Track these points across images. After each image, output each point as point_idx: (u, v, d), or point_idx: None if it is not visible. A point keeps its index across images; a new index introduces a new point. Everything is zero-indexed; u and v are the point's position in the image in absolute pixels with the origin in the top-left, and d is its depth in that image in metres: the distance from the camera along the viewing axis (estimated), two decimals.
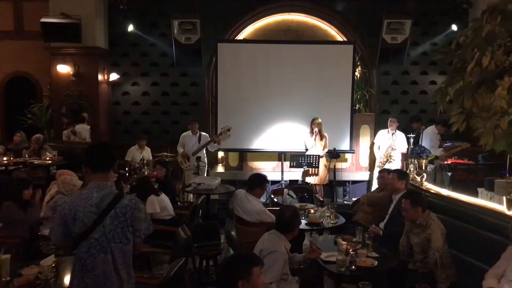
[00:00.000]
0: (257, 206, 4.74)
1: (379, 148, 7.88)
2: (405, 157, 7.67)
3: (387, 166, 7.47)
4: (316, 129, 7.43)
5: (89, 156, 2.56)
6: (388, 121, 7.83)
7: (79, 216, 2.39)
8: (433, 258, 3.62)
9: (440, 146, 7.42)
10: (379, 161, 7.79)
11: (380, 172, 5.54)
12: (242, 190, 4.94)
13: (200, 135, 7.70)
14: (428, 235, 3.70)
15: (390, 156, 7.64)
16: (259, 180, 4.87)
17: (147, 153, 8.00)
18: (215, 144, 7.66)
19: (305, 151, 7.56)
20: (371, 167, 8.29)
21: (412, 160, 5.49)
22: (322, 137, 7.50)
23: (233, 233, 4.09)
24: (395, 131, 7.79)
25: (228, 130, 7.75)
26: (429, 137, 7.35)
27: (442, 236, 3.70)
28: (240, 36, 9.59)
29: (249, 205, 4.72)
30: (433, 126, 7.58)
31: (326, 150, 7.46)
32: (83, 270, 2.39)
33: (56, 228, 2.46)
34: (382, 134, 7.91)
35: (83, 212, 2.39)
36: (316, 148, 7.46)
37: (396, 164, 7.59)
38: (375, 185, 7.69)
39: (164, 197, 5.16)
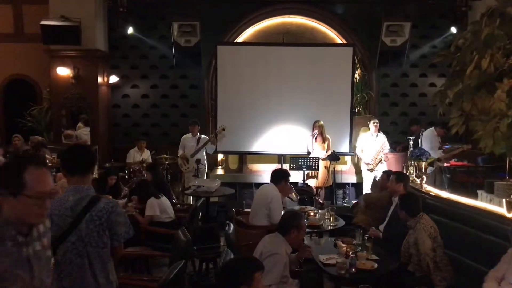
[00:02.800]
0: (275, 192, 4.68)
1: (362, 151, 7.87)
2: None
3: (379, 167, 7.53)
4: (315, 131, 7.44)
5: (66, 159, 2.53)
6: (372, 123, 7.76)
7: (54, 219, 2.35)
8: (424, 262, 3.63)
9: (440, 148, 7.43)
10: (366, 163, 7.76)
11: (383, 172, 5.62)
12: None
13: (199, 137, 7.69)
14: (415, 238, 3.72)
15: (381, 157, 7.68)
16: (283, 173, 4.85)
17: (146, 155, 8.00)
18: (212, 145, 7.65)
19: (307, 153, 7.56)
20: (358, 170, 8.29)
21: (412, 163, 5.50)
22: (324, 139, 7.49)
23: (232, 236, 4.09)
24: (377, 133, 7.80)
25: (223, 129, 7.73)
26: (428, 140, 7.36)
27: (431, 239, 3.69)
28: (240, 39, 9.59)
29: (266, 191, 4.72)
30: (432, 128, 7.59)
31: (329, 152, 7.44)
32: (61, 275, 2.37)
33: None
34: (366, 137, 7.90)
35: (58, 216, 2.36)
36: (317, 150, 7.46)
37: (385, 165, 7.66)
38: (365, 187, 7.73)
39: (164, 199, 5.15)
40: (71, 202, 2.39)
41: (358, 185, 8.34)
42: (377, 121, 7.84)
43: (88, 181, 2.50)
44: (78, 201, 2.39)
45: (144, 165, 7.57)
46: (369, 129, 7.91)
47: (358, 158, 8.23)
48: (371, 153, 7.72)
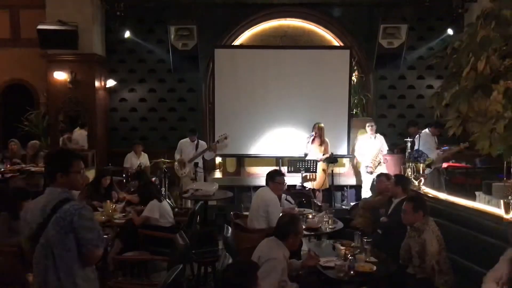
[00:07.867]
0: (271, 195, 4.70)
1: (361, 153, 7.88)
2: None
3: (378, 169, 7.52)
4: (313, 133, 7.43)
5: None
6: (369, 126, 7.82)
7: (27, 220, 2.45)
8: (429, 265, 3.62)
9: (437, 148, 7.42)
10: (366, 165, 7.76)
11: (378, 176, 5.57)
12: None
13: (197, 143, 7.64)
14: (423, 240, 3.70)
15: (380, 159, 7.69)
16: (271, 174, 4.87)
17: (144, 159, 7.98)
18: (211, 152, 7.59)
19: (304, 155, 7.54)
20: (357, 173, 8.30)
21: (410, 164, 5.50)
22: (322, 142, 7.48)
23: (231, 239, 4.09)
24: (375, 134, 7.83)
25: (225, 138, 7.57)
26: (424, 141, 7.35)
27: (438, 242, 3.69)
28: (237, 42, 9.61)
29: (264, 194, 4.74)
30: (427, 129, 7.58)
31: (327, 155, 7.42)
32: (34, 275, 2.45)
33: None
34: (363, 139, 7.93)
35: (31, 216, 2.44)
36: (313, 152, 7.45)
37: (384, 166, 7.67)
38: (364, 189, 7.74)
39: (165, 204, 5.13)
40: (42, 203, 2.44)
41: (356, 187, 8.34)
42: (372, 123, 7.88)
43: (61, 184, 2.49)
44: (48, 202, 2.42)
45: (142, 168, 7.58)
46: (365, 131, 7.94)
47: (357, 161, 8.22)
48: (370, 155, 7.72)
